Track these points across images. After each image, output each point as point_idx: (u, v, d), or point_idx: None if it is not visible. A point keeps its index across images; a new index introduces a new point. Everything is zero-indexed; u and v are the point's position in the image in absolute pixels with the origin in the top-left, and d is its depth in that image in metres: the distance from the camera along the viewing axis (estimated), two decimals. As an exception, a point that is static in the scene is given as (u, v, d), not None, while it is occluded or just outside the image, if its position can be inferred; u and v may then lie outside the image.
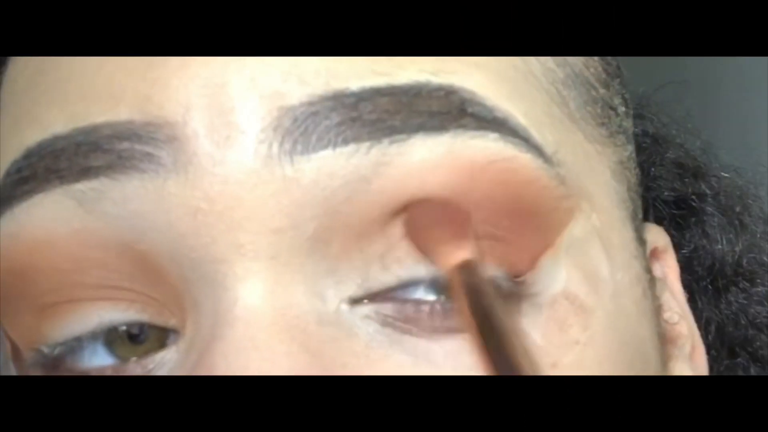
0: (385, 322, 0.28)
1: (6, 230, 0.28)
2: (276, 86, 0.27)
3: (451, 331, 0.28)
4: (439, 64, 0.28)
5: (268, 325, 0.27)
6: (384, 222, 0.28)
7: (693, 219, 0.43)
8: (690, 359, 0.36)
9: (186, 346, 0.28)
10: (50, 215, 0.28)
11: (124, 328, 0.29)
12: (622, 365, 0.30)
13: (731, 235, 0.42)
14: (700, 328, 0.39)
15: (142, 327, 0.29)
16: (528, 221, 0.29)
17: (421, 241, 0.29)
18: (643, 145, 0.44)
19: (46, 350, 0.29)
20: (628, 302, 0.31)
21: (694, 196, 0.43)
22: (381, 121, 0.27)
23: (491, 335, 0.28)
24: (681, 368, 0.35)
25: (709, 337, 0.41)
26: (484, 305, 0.28)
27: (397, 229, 0.28)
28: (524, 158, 0.29)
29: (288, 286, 0.27)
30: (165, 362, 0.29)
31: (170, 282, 0.28)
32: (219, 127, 0.27)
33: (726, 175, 0.44)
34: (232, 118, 0.27)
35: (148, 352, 0.29)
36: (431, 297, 0.28)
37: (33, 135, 0.29)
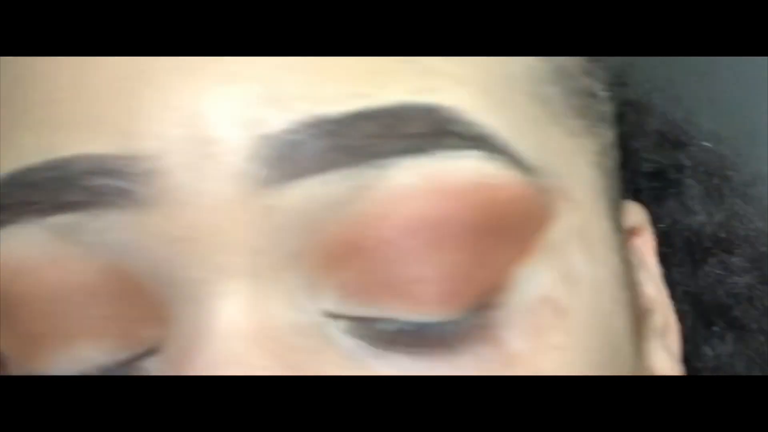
0: (367, 338, 0.28)
1: None
2: (254, 113, 0.27)
3: (432, 349, 0.28)
4: (420, 81, 0.28)
5: (246, 338, 0.27)
6: (358, 248, 0.28)
7: (672, 191, 0.43)
8: (662, 336, 0.37)
9: (165, 358, 0.29)
10: (25, 246, 0.28)
11: None
12: (601, 363, 0.30)
13: (710, 206, 0.42)
14: (675, 300, 0.39)
15: None
16: (507, 236, 0.29)
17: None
18: (625, 114, 0.44)
19: None
20: (606, 298, 0.32)
21: (672, 168, 0.43)
22: (363, 148, 0.27)
23: None
24: (652, 346, 0.36)
25: (685, 309, 0.42)
26: None
27: (359, 261, 0.28)
28: (507, 176, 0.29)
29: (267, 300, 0.28)
30: (146, 372, 0.29)
31: (151, 299, 0.29)
32: (197, 158, 0.27)
33: (707, 144, 0.44)
34: (209, 150, 0.27)
35: (131, 361, 0.29)
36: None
37: (8, 164, 0.29)
